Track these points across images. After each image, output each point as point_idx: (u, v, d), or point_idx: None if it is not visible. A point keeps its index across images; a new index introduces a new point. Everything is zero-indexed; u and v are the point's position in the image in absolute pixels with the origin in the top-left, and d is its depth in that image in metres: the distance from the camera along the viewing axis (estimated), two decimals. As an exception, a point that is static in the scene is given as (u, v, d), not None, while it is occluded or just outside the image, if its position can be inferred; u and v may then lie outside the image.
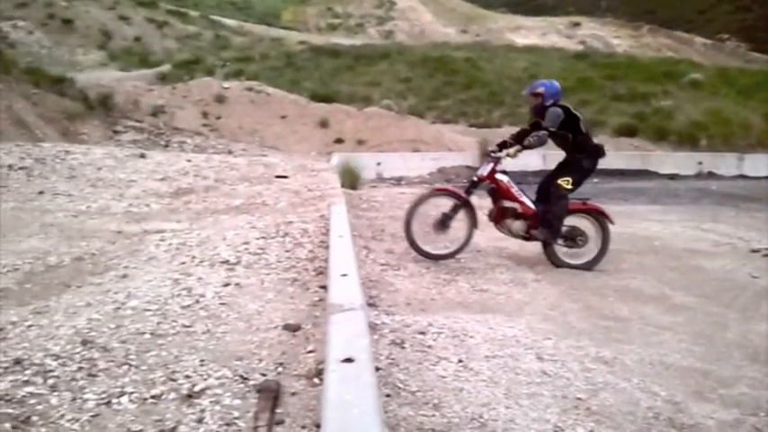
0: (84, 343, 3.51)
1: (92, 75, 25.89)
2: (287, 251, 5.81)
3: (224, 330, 3.88)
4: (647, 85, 25.62)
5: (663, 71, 28.44)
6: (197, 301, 4.30)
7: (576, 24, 72.91)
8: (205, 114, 19.60)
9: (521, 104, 24.46)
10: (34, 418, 2.80)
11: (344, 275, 4.06)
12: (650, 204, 12.55)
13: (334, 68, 28.01)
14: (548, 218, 6.88)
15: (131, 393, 3.03)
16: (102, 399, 2.97)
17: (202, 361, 3.39)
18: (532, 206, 6.96)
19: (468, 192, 6.94)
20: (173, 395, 3.03)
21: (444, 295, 5.58)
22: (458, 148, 18.51)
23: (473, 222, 6.89)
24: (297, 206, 7.73)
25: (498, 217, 7.09)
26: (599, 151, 7.10)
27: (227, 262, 5.34)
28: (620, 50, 52.64)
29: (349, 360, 2.60)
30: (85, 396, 2.99)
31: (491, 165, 6.99)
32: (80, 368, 3.24)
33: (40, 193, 8.15)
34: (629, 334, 4.92)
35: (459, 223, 6.94)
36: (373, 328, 4.22)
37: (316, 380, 3.23)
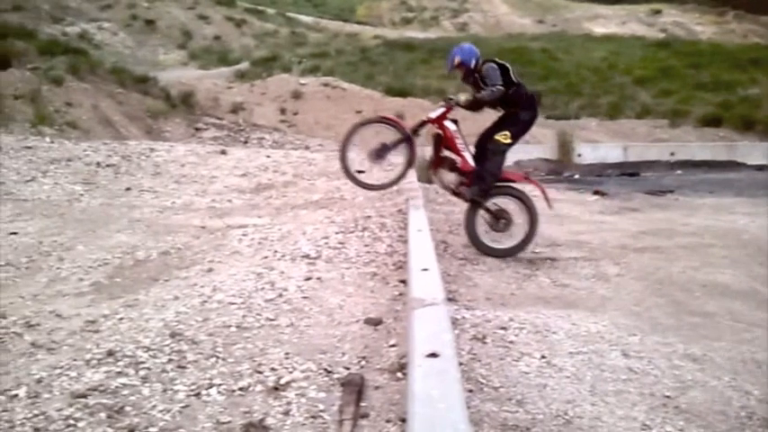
0: (173, 335, 3.61)
1: (173, 73, 26.58)
2: (366, 245, 5.85)
3: (307, 324, 3.93)
4: (732, 74, 24.70)
5: (749, 58, 27.37)
6: (280, 295, 4.37)
7: (657, 12, 70.70)
8: (282, 110, 19.88)
9: (600, 95, 24.00)
10: (127, 409, 2.90)
11: (425, 270, 4.05)
12: (737, 197, 12.07)
13: (408, 62, 28.01)
14: (481, 174, 6.55)
15: (220, 385, 3.10)
16: (192, 390, 3.06)
17: (287, 354, 3.45)
18: (472, 163, 6.61)
19: (414, 131, 6.64)
20: (259, 387, 3.10)
21: (524, 290, 5.51)
22: (534, 140, 18.23)
23: (411, 160, 6.69)
24: (374, 201, 7.76)
25: (435, 165, 6.81)
26: (534, 100, 6.77)
27: (307, 256, 5.41)
28: (703, 38, 50.86)
29: (434, 355, 2.59)
30: (176, 387, 3.08)
31: (443, 110, 6.67)
32: (170, 360, 3.34)
33: (127, 189, 8.43)
34: (717, 330, 4.75)
35: (397, 158, 6.80)
36: (454, 323, 4.20)
37: (399, 374, 3.24)
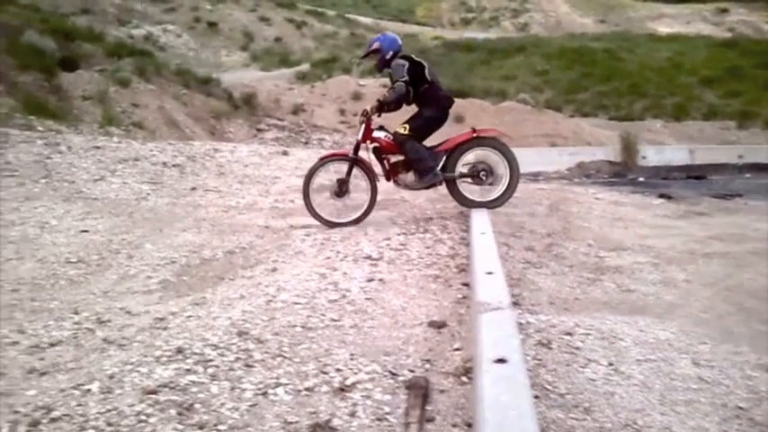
0: (239, 334, 3.66)
1: (235, 75, 27.03)
2: (428, 247, 5.83)
3: (371, 325, 3.94)
4: (803, 73, 23.94)
5: (820, 57, 26.49)
6: (343, 296, 4.40)
7: (724, 10, 68.94)
8: (342, 111, 20.03)
9: (664, 96, 23.50)
10: (197, 406, 2.94)
11: (490, 273, 4.02)
12: (810, 202, 11.70)
13: (468, 63, 27.95)
14: (412, 165, 6.76)
15: (286, 385, 3.13)
16: (259, 389, 3.09)
17: (352, 355, 3.46)
18: None
19: (356, 152, 6.87)
20: (325, 388, 3.11)
21: (589, 295, 5.42)
22: (597, 142, 18.00)
23: (372, 177, 6.87)
24: (435, 202, 7.75)
25: (392, 173, 6.95)
26: (446, 100, 6.90)
27: (369, 257, 5.42)
28: (772, 36, 49.40)
29: (502, 360, 2.57)
30: (243, 386, 3.12)
31: (364, 125, 6.90)
32: (237, 359, 3.39)
33: (193, 189, 8.60)
34: (791, 340, 4.61)
35: (361, 183, 6.96)
36: (518, 327, 4.16)
37: (464, 378, 3.22)
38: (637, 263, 6.48)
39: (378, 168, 6.97)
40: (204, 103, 18.17)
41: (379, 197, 8.11)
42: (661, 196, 10.80)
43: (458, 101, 20.29)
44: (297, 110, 19.66)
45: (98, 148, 9.87)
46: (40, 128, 10.86)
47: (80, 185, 8.16)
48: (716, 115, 21.83)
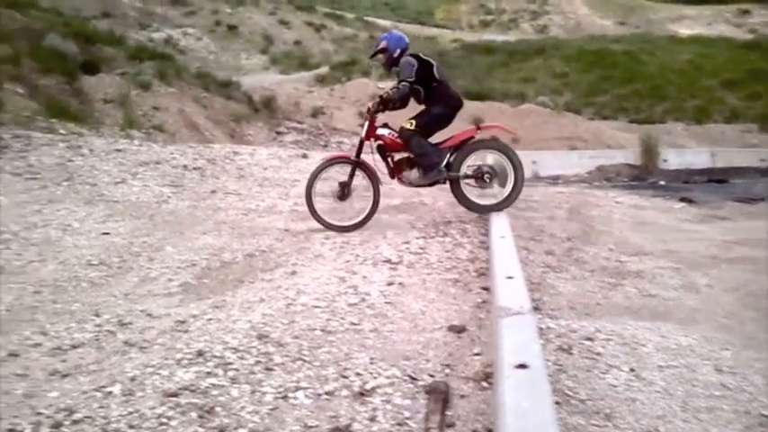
0: (260, 337, 3.67)
1: (255, 78, 27.15)
2: (447, 251, 5.82)
3: (390, 329, 3.94)
4: (827, 76, 23.69)
5: None
6: (363, 299, 4.40)
7: (746, 12, 68.34)
8: (361, 114, 20.05)
9: (685, 99, 23.33)
10: (218, 409, 2.95)
11: (510, 278, 4.00)
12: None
13: (487, 65, 27.94)
14: (415, 161, 6.77)
15: (306, 389, 3.13)
16: (280, 393, 3.10)
17: (372, 359, 3.46)
18: None
19: (358, 154, 6.87)
20: (345, 392, 3.12)
21: (610, 300, 5.38)
22: (617, 145, 17.89)
23: (374, 179, 6.86)
24: (455, 205, 7.72)
25: (396, 171, 6.93)
26: (455, 100, 6.89)
27: (389, 261, 5.42)
28: (796, 38, 48.88)
29: (523, 366, 2.56)
30: (264, 389, 3.13)
31: (367, 123, 6.90)
32: (257, 362, 3.39)
33: (213, 192, 8.64)
34: (817, 347, 4.55)
35: (364, 182, 6.95)
36: (539, 332, 4.14)
37: (484, 383, 3.21)
38: (658, 267, 6.43)
39: (381, 165, 6.94)
40: (224, 106, 18.27)
41: (397, 201, 8.13)
42: (682, 200, 10.72)
43: (477, 103, 20.35)
44: (316, 113, 19.73)
45: (119, 150, 9.94)
46: (61, 131, 10.96)
47: (101, 188, 8.22)
48: (737, 118, 21.65)
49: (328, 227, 6.82)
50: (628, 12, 72.92)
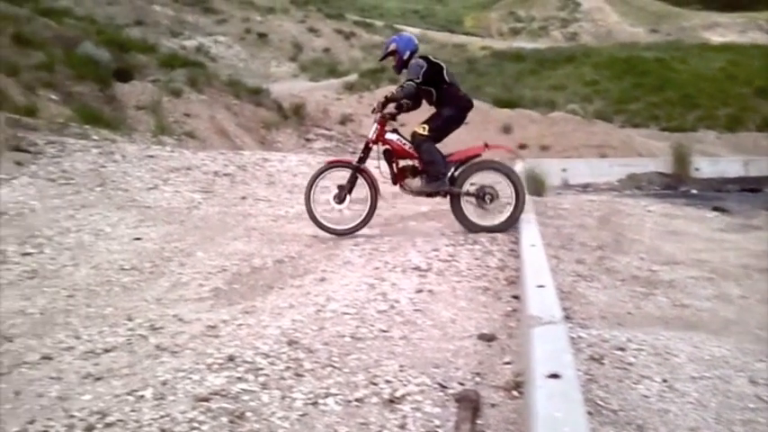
0: (289, 343, 3.69)
1: (284, 85, 27.32)
2: (476, 259, 5.80)
3: (420, 337, 3.93)
4: None
5: None
6: (392, 307, 4.40)
7: (779, 19, 67.42)
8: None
9: (718, 107, 23.07)
10: (248, 414, 2.97)
11: (541, 287, 3.98)
12: None
13: (517, 73, 27.85)
14: (423, 169, 6.71)
15: (336, 395, 3.14)
16: (309, 399, 3.10)
17: (401, 366, 3.46)
18: None
19: (362, 159, 6.85)
20: (375, 399, 3.11)
21: (642, 309, 5.32)
22: (649, 153, 17.70)
23: (374, 186, 6.82)
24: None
25: (399, 177, 6.87)
26: (465, 101, 6.82)
27: (418, 268, 5.41)
28: (831, 46, 48.14)
29: (555, 376, 2.54)
30: (294, 395, 3.14)
31: (377, 126, 6.82)
32: (288, 368, 3.41)
33: (243, 198, 8.71)
34: None
35: (363, 190, 6.89)
36: (570, 341, 4.11)
37: (514, 392, 3.19)
38: (690, 277, 6.34)
39: (385, 167, 6.93)
40: (254, 113, 18.42)
41: (426, 207, 8.11)
42: (715, 209, 10.57)
43: (507, 111, 20.31)
44: (345, 120, 19.80)
45: (151, 156, 10.06)
46: (95, 137, 11.11)
47: (134, 194, 8.32)
48: (771, 127, 21.37)
49: (324, 229, 6.88)
50: (659, 19, 72.31)
